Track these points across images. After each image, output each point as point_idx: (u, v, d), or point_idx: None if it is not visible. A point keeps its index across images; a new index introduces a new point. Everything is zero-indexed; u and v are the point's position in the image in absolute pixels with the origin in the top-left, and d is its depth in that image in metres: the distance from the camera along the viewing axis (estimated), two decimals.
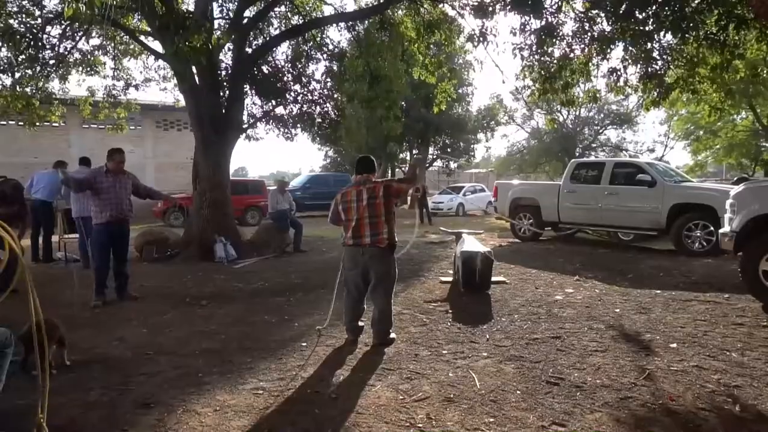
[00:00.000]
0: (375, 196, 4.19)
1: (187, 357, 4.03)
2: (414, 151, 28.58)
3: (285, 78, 11.26)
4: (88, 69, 11.11)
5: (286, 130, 11.65)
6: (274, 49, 11.12)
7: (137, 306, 5.75)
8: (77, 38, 10.38)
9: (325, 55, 11.42)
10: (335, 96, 11.54)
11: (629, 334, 4.49)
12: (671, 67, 8.28)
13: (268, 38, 11.07)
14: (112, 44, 11.36)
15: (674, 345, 4.12)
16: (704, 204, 8.59)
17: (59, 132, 18.61)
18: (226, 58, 10.59)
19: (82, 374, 3.64)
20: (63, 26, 9.95)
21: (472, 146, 31.51)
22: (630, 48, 7.95)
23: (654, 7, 7.23)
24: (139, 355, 4.08)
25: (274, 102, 11.23)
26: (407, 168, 4.70)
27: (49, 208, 8.47)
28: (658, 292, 6.09)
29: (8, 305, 2.76)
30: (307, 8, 11.41)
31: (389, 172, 33.58)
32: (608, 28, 8.06)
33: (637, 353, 3.96)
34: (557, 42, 8.44)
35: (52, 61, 10.15)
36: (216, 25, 9.87)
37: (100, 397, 3.26)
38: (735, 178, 16.76)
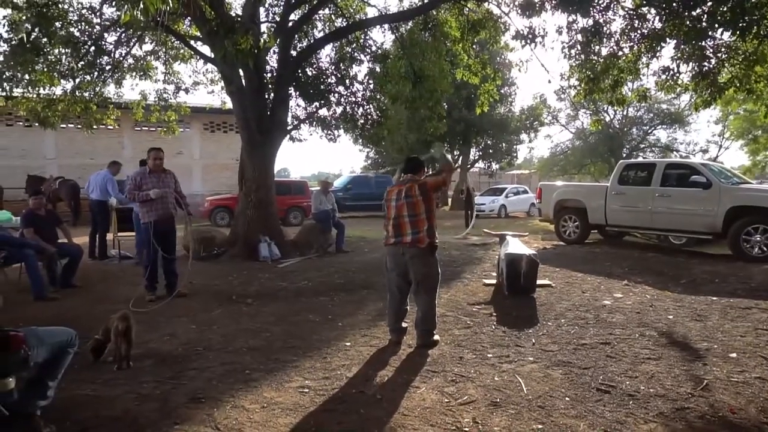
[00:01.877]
0: (411, 194, 4.17)
1: (235, 353, 4.12)
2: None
3: (328, 80, 11.37)
4: (141, 74, 11.53)
5: (329, 132, 11.77)
6: (318, 51, 11.25)
7: (186, 303, 5.92)
8: (131, 44, 10.80)
9: (368, 57, 11.47)
10: (378, 97, 11.57)
11: (684, 342, 4.31)
12: (726, 65, 7.91)
13: (312, 41, 11.22)
14: (164, 49, 11.76)
15: (734, 355, 3.93)
16: (765, 207, 8.17)
17: (113, 134, 19.39)
18: (271, 60, 10.80)
19: (137, 368, 3.77)
20: (118, 33, 10.38)
21: (514, 147, 30.96)
22: (683, 46, 7.63)
23: (710, 4, 6.92)
24: (189, 351, 4.20)
25: (317, 104, 11.36)
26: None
27: (104, 207, 8.85)
28: (715, 298, 5.83)
29: (74, 303, 2.89)
30: (351, 10, 11.49)
31: (430, 172, 33.43)
32: (659, 26, 7.76)
33: (692, 362, 3.79)
34: (605, 40, 8.20)
35: (108, 67, 10.59)
36: (262, 29, 10.07)
37: (153, 390, 3.37)
38: None
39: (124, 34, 10.41)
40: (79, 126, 12.04)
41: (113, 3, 7.44)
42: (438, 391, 3.32)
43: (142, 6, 4.17)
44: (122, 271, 7.94)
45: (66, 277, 6.61)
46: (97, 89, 10.63)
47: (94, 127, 11.35)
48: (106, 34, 10.24)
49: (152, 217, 5.92)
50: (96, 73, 10.34)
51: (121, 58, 10.90)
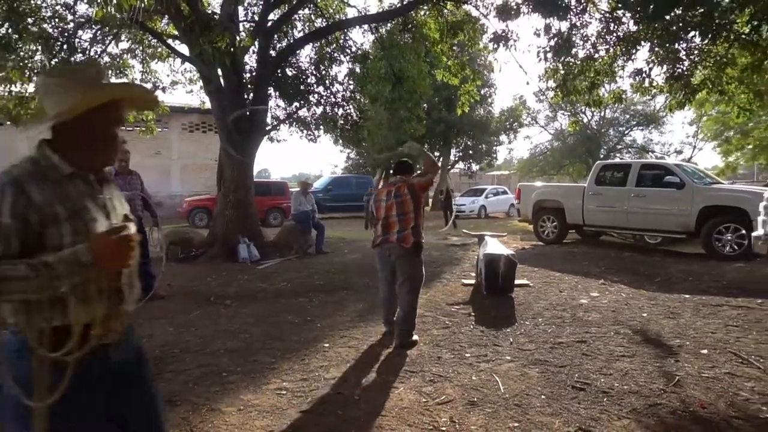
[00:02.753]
0: (401, 194, 4.27)
1: (212, 355, 4.08)
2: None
3: (308, 80, 11.34)
4: (117, 72, 11.34)
5: (308, 132, 11.74)
6: (298, 51, 11.21)
7: (163, 305, 5.83)
8: (107, 42, 10.62)
9: (347, 57, 11.47)
10: (357, 98, 11.57)
11: (657, 339, 4.39)
12: (698, 67, 8.10)
13: (291, 41, 11.17)
14: (140, 47, 11.59)
15: (705, 351, 4.02)
16: (736, 206, 8.38)
17: None
18: (250, 60, 10.73)
19: None
20: (93, 30, 10.20)
21: (494, 148, 31.24)
22: (657, 48, 7.79)
23: (682, 8, 7.07)
24: (165, 353, 4.14)
25: (297, 104, 11.31)
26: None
27: None
28: (687, 296, 5.95)
29: None
30: (331, 11, 11.47)
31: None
32: (634, 29, 7.91)
33: (665, 359, 3.87)
34: (581, 43, 8.33)
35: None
36: (241, 28, 9.99)
37: None
38: None
39: (99, 32, 10.23)
40: None
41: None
42: (416, 391, 3.33)
43: (115, 2, 4.11)
44: None
45: None
46: None
47: None
48: (80, 31, 10.05)
49: None
50: None
51: (97, 56, 10.70)
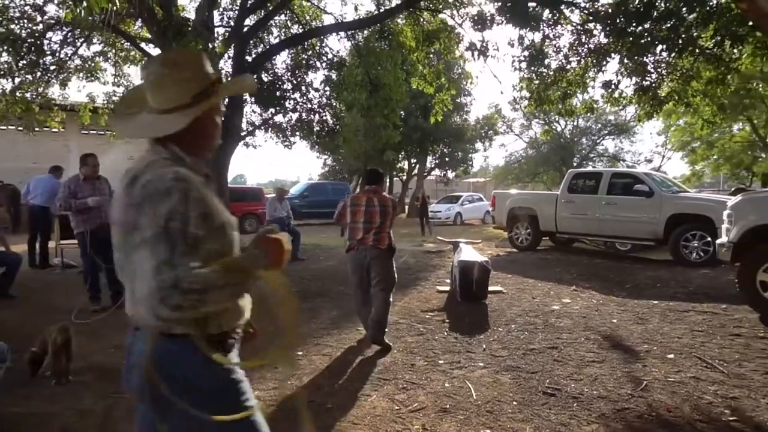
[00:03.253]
0: (385, 205, 4.52)
1: None
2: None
3: (284, 86, 11.29)
4: (89, 75, 11.14)
5: (284, 138, 11.68)
6: (274, 57, 11.17)
7: None
8: (78, 44, 10.41)
9: (324, 64, 11.47)
10: (334, 104, 11.58)
11: (626, 344, 4.48)
12: (665, 80, 8.35)
13: (267, 47, 11.12)
14: (113, 50, 11.40)
15: (671, 356, 4.12)
16: (702, 214, 8.62)
17: (59, 138, 18.55)
18: (226, 66, 10.63)
19: (77, 382, 3.61)
20: (64, 32, 9.99)
21: (470, 156, 31.57)
22: (626, 61, 8.01)
23: (649, 23, 7.30)
24: None
25: (273, 110, 11.26)
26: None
27: (46, 214, 8.45)
28: (656, 302, 6.09)
29: (11, 315, 2.73)
30: (307, 17, 11.48)
31: (387, 180, 33.67)
32: (604, 41, 8.12)
33: (634, 364, 3.95)
34: (554, 54, 8.52)
35: (52, 67, 10.17)
36: (216, 33, 9.91)
37: (94, 405, 3.23)
38: (732, 189, 16.82)
39: (70, 34, 10.02)
40: (20, 128, 11.49)
41: (56, 0, 7.16)
42: (388, 398, 3.33)
43: (85, 5, 4.04)
44: (65, 281, 7.59)
45: (2, 287, 6.26)
46: (40, 90, 10.18)
47: (36, 129, 10.85)
48: (51, 33, 9.84)
49: (89, 226, 5.66)
50: (39, 73, 9.89)
51: (67, 59, 10.49)
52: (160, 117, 1.36)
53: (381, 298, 4.38)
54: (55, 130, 12.43)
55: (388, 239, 4.48)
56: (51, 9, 9.48)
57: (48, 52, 9.79)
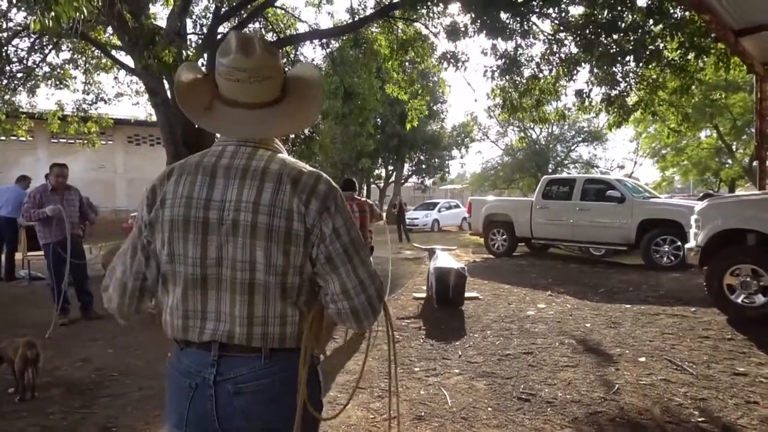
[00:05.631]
0: (363, 210, 5.07)
1: (154, 378, 3.91)
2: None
3: None
4: (58, 83, 10.91)
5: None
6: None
7: (104, 325, 5.57)
8: (46, 51, 10.20)
9: None
10: None
11: (599, 348, 4.54)
12: (633, 89, 8.58)
13: None
14: (83, 58, 11.20)
15: (643, 359, 4.19)
16: (671, 219, 8.82)
17: (27, 146, 18.14)
18: None
19: (43, 398, 3.50)
20: (32, 39, 9.78)
21: (446, 163, 31.81)
22: (596, 70, 8.21)
23: (618, 34, 7.50)
24: (103, 377, 3.95)
25: None
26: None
27: (12, 225, 8.22)
28: (628, 306, 6.20)
29: None
30: (282, 25, 11.45)
31: (364, 188, 33.67)
32: (575, 51, 8.30)
33: (606, 368, 4.00)
34: (526, 63, 8.68)
35: (20, 74, 9.94)
36: (190, 41, 9.81)
37: (60, 421, 3.14)
38: (700, 195, 17.26)
39: (37, 41, 9.81)
40: None
41: (21, 8, 6.98)
42: (364, 407, 3.31)
43: (53, 14, 3.96)
44: (32, 293, 7.38)
45: None
46: (6, 97, 9.92)
47: (2, 138, 10.57)
48: (17, 40, 9.62)
49: (54, 238, 5.49)
50: (5, 81, 9.65)
51: (35, 66, 10.26)
52: (276, 110, 1.25)
53: None
54: (23, 138, 12.10)
55: (369, 239, 5.14)
56: (17, 16, 9.27)
57: (15, 60, 9.56)
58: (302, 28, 11.39)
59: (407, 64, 11.45)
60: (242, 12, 9.80)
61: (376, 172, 31.52)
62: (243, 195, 1.14)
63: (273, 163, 1.17)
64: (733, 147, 25.84)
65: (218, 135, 1.31)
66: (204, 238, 1.15)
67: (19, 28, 9.41)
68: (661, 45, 7.42)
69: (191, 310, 1.18)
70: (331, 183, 1.20)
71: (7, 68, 9.56)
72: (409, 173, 31.99)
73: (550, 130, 35.53)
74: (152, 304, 1.32)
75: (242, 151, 1.20)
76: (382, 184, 32.65)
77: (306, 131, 11.32)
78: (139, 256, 1.24)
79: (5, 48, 9.26)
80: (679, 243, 8.47)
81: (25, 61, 9.94)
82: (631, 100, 8.63)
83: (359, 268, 1.17)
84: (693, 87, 7.91)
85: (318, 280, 1.20)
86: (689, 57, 7.30)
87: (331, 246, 1.15)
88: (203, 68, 1.40)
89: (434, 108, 26.07)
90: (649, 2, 7.34)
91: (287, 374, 1.18)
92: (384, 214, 5.65)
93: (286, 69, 1.34)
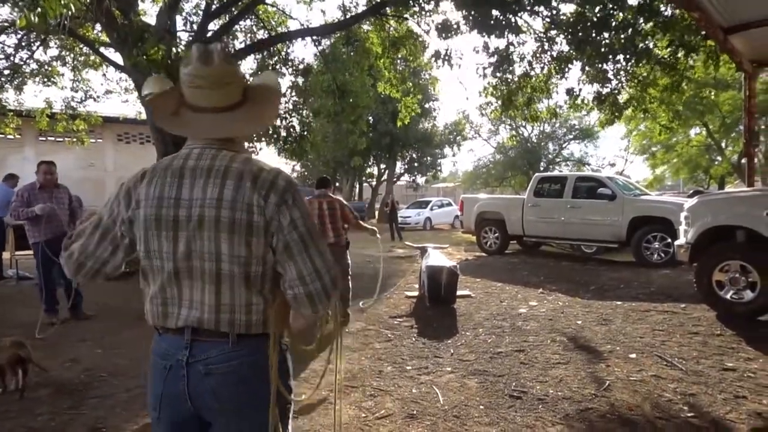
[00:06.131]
0: (333, 208, 5.39)
1: (143, 378, 3.88)
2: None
3: None
4: (45, 80, 10.78)
5: (250, 145, 11.52)
6: (239, 62, 11.02)
7: (92, 325, 5.53)
8: (34, 48, 10.08)
9: (290, 70, 11.39)
10: (301, 110, 11.51)
11: (591, 345, 4.56)
12: (624, 87, 8.62)
13: (233, 52, 10.98)
14: (71, 55, 11.08)
15: (633, 355, 4.20)
16: (662, 217, 8.87)
17: (14, 144, 17.90)
18: None
19: (31, 398, 3.46)
20: (19, 36, 9.66)
21: (438, 161, 31.84)
22: (587, 68, 8.23)
23: (608, 32, 7.53)
24: (92, 377, 3.91)
25: None
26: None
27: (0, 224, 8.12)
28: (619, 303, 6.23)
29: None
30: (273, 23, 11.39)
31: (357, 185, 33.64)
32: (566, 49, 8.33)
33: (597, 364, 4.02)
34: (517, 61, 8.70)
35: (6, 71, 9.81)
36: (179, 39, 9.73)
37: (48, 422, 3.10)
38: (690, 192, 17.39)
39: (25, 37, 9.69)
40: None
41: (7, 3, 6.89)
42: (356, 406, 3.30)
43: (39, 10, 3.90)
44: (20, 293, 7.31)
45: None
46: None
47: None
48: (4, 36, 9.49)
49: (44, 237, 5.42)
50: None
51: (22, 63, 10.14)
52: (236, 113, 1.36)
53: (344, 285, 5.33)
54: (11, 136, 11.95)
55: (345, 237, 5.44)
56: (4, 12, 9.16)
57: (1, 56, 9.44)
58: (293, 25, 11.34)
59: (399, 61, 11.43)
60: (233, 9, 9.74)
61: (368, 170, 31.51)
62: (207, 192, 1.26)
63: (235, 163, 1.29)
64: (723, 144, 26.07)
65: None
66: (175, 234, 1.27)
67: (5, 24, 9.29)
68: (651, 43, 7.46)
69: (169, 299, 1.31)
70: (290, 179, 1.32)
71: None
72: (402, 171, 32.02)
73: (541, 128, 35.66)
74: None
75: (207, 153, 1.32)
76: (374, 183, 32.63)
77: (297, 129, 11.29)
78: (107, 243, 1.37)
79: None
80: (669, 240, 8.51)
81: (12, 58, 9.82)
82: (623, 97, 8.67)
83: (315, 257, 1.29)
84: (683, 84, 7.95)
85: (278, 267, 1.30)
86: (679, 55, 7.34)
87: (288, 236, 1.27)
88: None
89: (426, 106, 26.08)
90: (640, 0, 7.38)
91: (255, 358, 1.30)
92: (365, 217, 5.96)
93: (249, 78, 1.49)
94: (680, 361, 4.00)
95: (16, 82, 10.32)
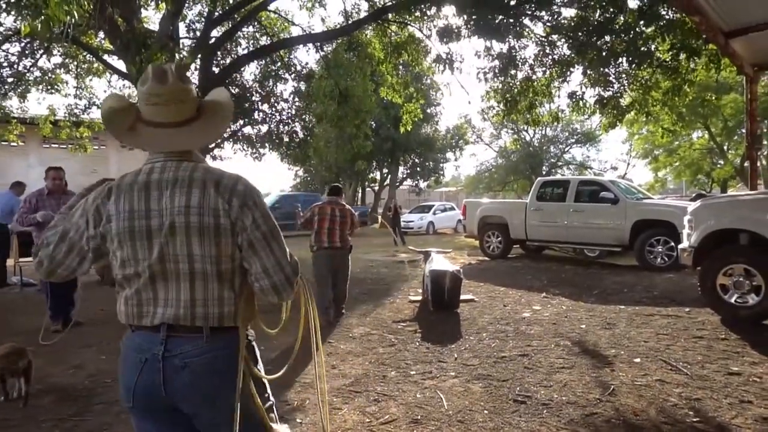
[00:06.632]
0: (345, 216, 5.79)
1: None
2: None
3: (253, 98, 11.21)
4: (49, 87, 10.85)
5: (254, 150, 11.58)
6: (242, 68, 11.08)
7: (96, 331, 5.53)
8: (37, 56, 10.15)
9: (293, 76, 11.44)
10: (303, 116, 11.54)
11: (594, 349, 4.55)
12: (627, 90, 8.62)
13: (235, 58, 11.04)
14: (75, 63, 11.14)
15: (638, 360, 4.19)
16: (665, 220, 8.85)
17: (18, 151, 18.03)
18: (193, 77, 10.50)
19: (34, 405, 3.46)
20: (23, 44, 9.72)
21: (441, 165, 31.87)
22: (589, 72, 8.24)
23: (610, 36, 7.54)
24: (96, 384, 3.91)
25: (241, 122, 11.15)
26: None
27: (4, 231, 8.15)
28: (623, 307, 6.21)
29: None
30: (275, 29, 11.44)
31: (360, 191, 33.67)
32: (568, 53, 8.34)
33: (602, 369, 4.00)
34: (519, 65, 8.71)
35: (10, 79, 9.87)
36: (182, 45, 9.79)
37: (52, 429, 3.10)
38: (693, 195, 17.36)
39: (28, 45, 9.76)
40: None
41: (11, 12, 6.93)
42: (360, 411, 3.29)
43: (43, 18, 3.93)
44: (24, 299, 7.33)
45: None
46: None
47: None
48: (8, 44, 9.56)
49: None
50: None
51: (26, 70, 10.20)
52: (192, 127, 1.48)
53: (343, 285, 5.91)
54: (14, 143, 12.01)
55: (349, 242, 5.85)
56: (8, 20, 9.22)
57: (5, 64, 9.50)
58: (296, 31, 11.37)
59: (401, 67, 11.47)
60: (235, 16, 9.79)
61: (371, 175, 31.54)
62: (175, 201, 1.37)
63: (196, 172, 1.41)
64: (725, 147, 26.03)
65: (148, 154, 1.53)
66: (149, 242, 1.38)
67: (9, 32, 9.36)
68: (653, 46, 7.46)
69: (144, 300, 1.41)
70: (249, 183, 1.45)
71: None
72: (404, 176, 32.04)
73: (543, 132, 35.70)
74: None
75: (169, 166, 1.43)
76: (377, 187, 32.65)
77: (300, 134, 11.32)
78: (74, 255, 1.46)
79: None
80: (673, 244, 8.50)
81: (15, 66, 9.88)
82: (625, 101, 8.67)
83: (277, 252, 1.44)
84: (686, 87, 7.95)
85: (244, 263, 1.44)
86: (681, 58, 7.34)
87: (251, 234, 1.40)
88: (128, 98, 1.68)
89: (428, 111, 26.12)
90: (641, 4, 7.39)
91: (229, 351, 1.44)
92: (371, 221, 6.61)
93: (200, 95, 1.57)
94: (685, 366, 3.99)
95: (19, 90, 10.38)
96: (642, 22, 7.31)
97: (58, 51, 10.28)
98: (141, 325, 1.41)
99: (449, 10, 8.62)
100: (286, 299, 1.52)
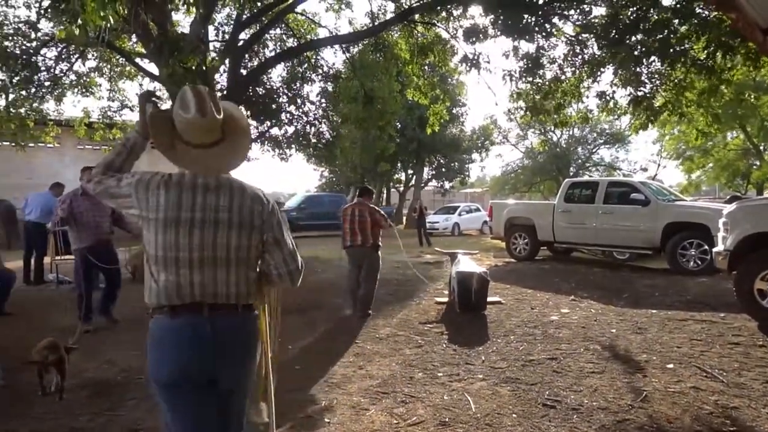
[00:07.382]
0: (363, 215, 6.02)
1: None
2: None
3: (280, 99, 11.33)
4: (84, 90, 11.16)
5: (280, 151, 11.69)
6: (269, 70, 11.21)
7: (129, 328, 5.65)
8: (73, 60, 10.45)
9: (319, 77, 11.53)
10: (330, 116, 11.62)
11: (625, 354, 4.45)
12: (659, 90, 8.40)
13: (263, 60, 11.17)
14: (108, 66, 11.44)
15: (671, 366, 4.09)
16: (698, 222, 8.62)
17: (54, 153, 18.53)
18: (221, 80, 10.67)
19: (71, 399, 3.56)
20: (59, 48, 10.03)
21: (466, 166, 31.66)
22: (620, 71, 8.07)
23: (641, 35, 7.36)
24: (129, 379, 4.01)
25: (268, 123, 11.28)
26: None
27: (42, 230, 8.41)
28: (654, 311, 6.07)
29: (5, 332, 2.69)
30: (302, 30, 11.54)
31: (384, 191, 33.70)
32: (598, 52, 8.18)
33: (633, 374, 3.92)
34: (548, 65, 8.58)
35: (47, 83, 10.19)
36: (212, 48, 9.96)
37: (88, 423, 3.19)
38: (728, 197, 16.87)
39: (64, 50, 10.06)
40: (14, 144, 11.48)
41: (50, 18, 7.16)
42: (387, 412, 3.29)
43: (80, 22, 4.05)
44: (59, 297, 7.53)
45: None
46: (34, 105, 10.19)
47: (31, 145, 10.85)
48: (45, 49, 9.87)
49: (85, 243, 5.55)
50: (33, 89, 9.90)
51: (62, 75, 10.52)
52: (222, 147, 1.75)
53: (369, 283, 6.05)
54: (50, 145, 12.39)
55: (373, 239, 6.01)
56: (45, 26, 9.53)
57: (42, 68, 9.81)
58: (322, 33, 11.46)
59: (427, 68, 11.44)
60: (263, 18, 9.91)
61: (396, 176, 31.53)
62: (220, 201, 1.70)
63: (232, 182, 1.76)
64: (762, 148, 25.20)
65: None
66: (192, 231, 1.65)
67: (47, 38, 9.66)
68: (687, 45, 7.26)
69: (182, 281, 1.64)
70: (269, 196, 1.82)
71: (36, 77, 9.81)
72: (429, 177, 31.93)
73: (571, 133, 35.15)
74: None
75: (209, 176, 1.73)
76: (402, 188, 32.63)
77: (327, 135, 11.39)
78: (121, 191, 1.76)
79: (34, 57, 9.52)
80: (706, 247, 8.26)
81: (52, 70, 10.20)
82: (658, 101, 8.45)
83: (291, 246, 1.84)
84: (722, 87, 7.70)
85: (266, 254, 1.81)
86: (717, 57, 7.12)
87: (276, 233, 1.79)
88: (163, 106, 1.93)
89: (454, 111, 25.99)
90: (674, 1, 7.21)
91: (252, 322, 1.82)
92: (393, 224, 6.84)
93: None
94: (721, 373, 3.87)
95: (56, 93, 10.71)
96: (676, 20, 7.13)
97: (93, 55, 10.58)
98: (182, 304, 1.63)
99: (476, 10, 8.57)
100: (297, 283, 1.85)
